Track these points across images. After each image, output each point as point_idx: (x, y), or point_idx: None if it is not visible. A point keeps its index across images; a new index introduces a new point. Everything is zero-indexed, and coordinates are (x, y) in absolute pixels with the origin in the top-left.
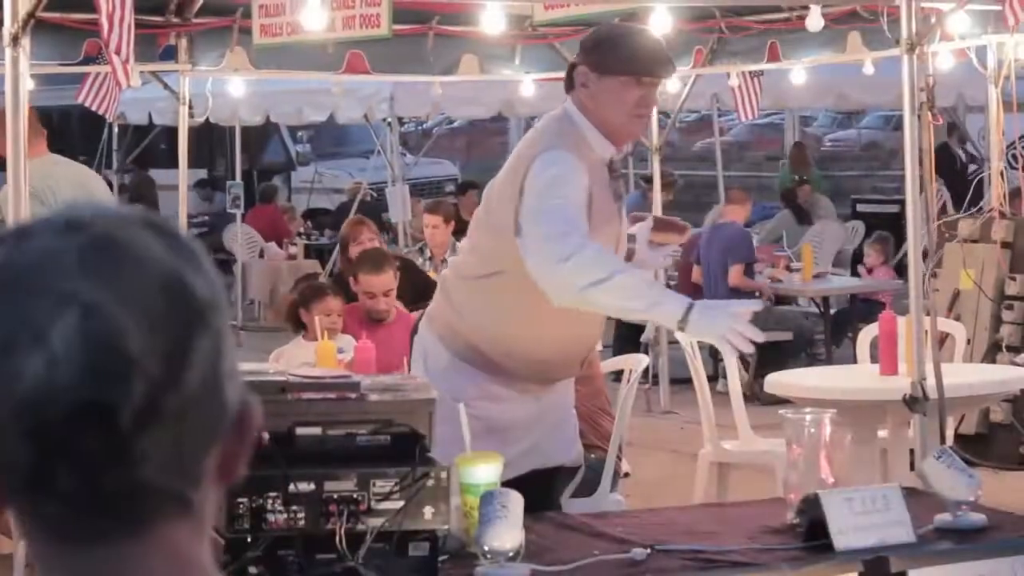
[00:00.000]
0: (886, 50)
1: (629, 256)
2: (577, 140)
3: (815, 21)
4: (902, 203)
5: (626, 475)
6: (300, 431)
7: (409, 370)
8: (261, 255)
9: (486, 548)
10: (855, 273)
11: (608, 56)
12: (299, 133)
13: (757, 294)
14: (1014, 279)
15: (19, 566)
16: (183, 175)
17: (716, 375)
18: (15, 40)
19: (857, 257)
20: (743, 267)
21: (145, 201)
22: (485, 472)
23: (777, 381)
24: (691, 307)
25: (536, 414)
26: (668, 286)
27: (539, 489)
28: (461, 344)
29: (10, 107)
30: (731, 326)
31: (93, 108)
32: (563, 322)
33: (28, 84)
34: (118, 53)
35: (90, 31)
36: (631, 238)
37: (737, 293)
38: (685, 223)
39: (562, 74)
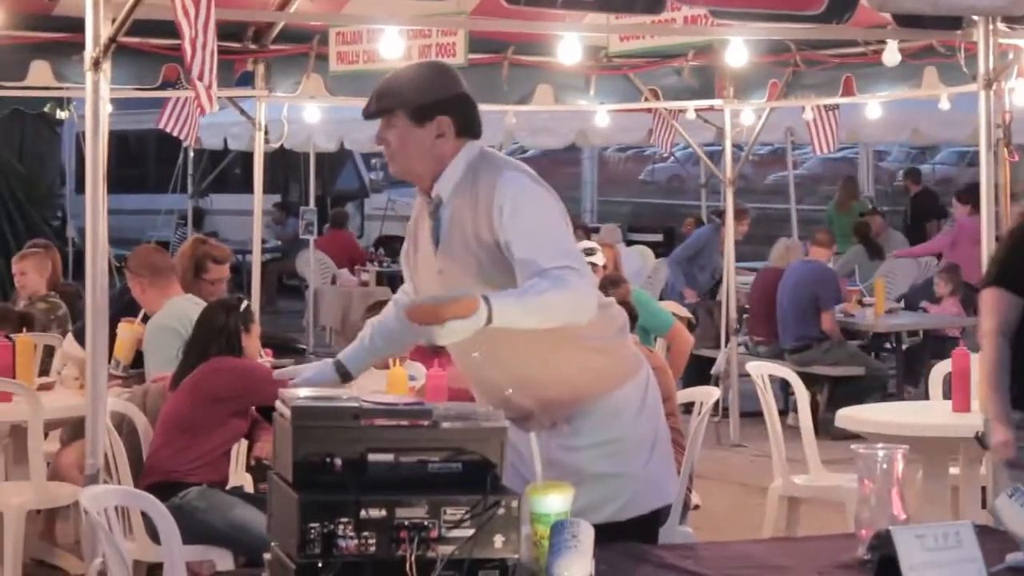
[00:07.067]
0: (962, 85)
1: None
2: None
3: (892, 56)
4: None
5: (696, 507)
6: (372, 457)
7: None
8: (333, 281)
9: None
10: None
11: None
12: (373, 160)
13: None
14: None
15: None
16: (258, 200)
17: (786, 409)
18: (96, 64)
19: (921, 293)
20: (833, 312)
21: None
22: (556, 501)
23: (849, 416)
24: None
25: (516, 454)
26: (741, 320)
27: None
28: None
29: (90, 130)
30: None
31: (173, 133)
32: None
33: (107, 108)
34: (200, 79)
35: (168, 56)
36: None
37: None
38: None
39: (636, 105)
